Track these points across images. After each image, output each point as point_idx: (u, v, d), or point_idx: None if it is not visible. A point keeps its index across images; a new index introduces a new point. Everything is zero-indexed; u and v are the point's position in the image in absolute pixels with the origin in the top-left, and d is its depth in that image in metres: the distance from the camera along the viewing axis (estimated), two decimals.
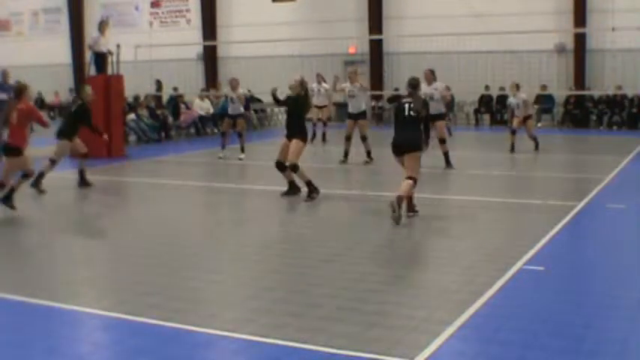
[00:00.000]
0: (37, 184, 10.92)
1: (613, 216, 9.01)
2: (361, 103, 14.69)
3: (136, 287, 5.99)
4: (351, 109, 14.57)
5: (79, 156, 11.82)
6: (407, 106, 8.91)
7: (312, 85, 19.11)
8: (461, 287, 5.85)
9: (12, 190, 9.51)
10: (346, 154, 14.34)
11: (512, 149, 15.82)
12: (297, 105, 10.52)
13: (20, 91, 9.65)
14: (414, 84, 9.20)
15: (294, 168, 10.22)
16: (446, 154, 13.28)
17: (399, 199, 8.29)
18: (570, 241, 7.85)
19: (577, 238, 8.13)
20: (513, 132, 16.03)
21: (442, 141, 13.35)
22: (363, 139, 14.23)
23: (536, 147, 16.02)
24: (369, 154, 14.27)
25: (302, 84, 10.61)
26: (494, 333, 4.83)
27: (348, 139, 14.32)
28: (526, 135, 16.09)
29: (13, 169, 9.64)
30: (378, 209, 9.80)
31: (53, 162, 11.42)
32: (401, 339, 4.70)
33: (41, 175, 11.05)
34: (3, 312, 5.49)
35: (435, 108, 13.55)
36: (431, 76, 13.63)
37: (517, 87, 16.30)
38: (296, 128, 10.39)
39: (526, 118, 16.16)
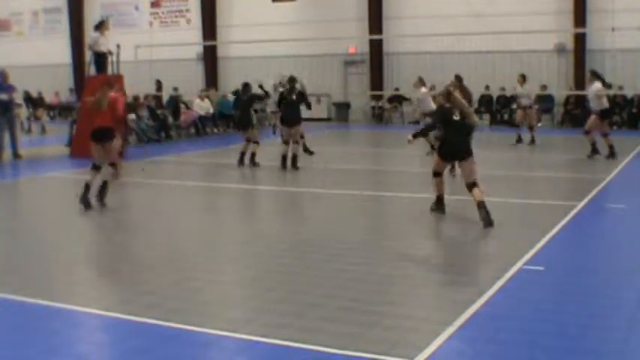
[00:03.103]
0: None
1: (613, 216, 9.01)
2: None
3: (136, 287, 5.99)
4: None
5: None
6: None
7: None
8: (461, 287, 5.85)
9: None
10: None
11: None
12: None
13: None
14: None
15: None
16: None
17: None
18: (570, 241, 7.84)
19: (577, 238, 8.12)
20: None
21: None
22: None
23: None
24: None
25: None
26: (494, 333, 4.83)
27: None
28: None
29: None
30: (378, 209, 9.81)
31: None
32: (401, 339, 4.69)
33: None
34: (3, 312, 5.49)
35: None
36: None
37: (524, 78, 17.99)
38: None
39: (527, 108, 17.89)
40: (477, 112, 25.74)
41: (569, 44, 24.21)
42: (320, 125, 26.08)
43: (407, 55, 25.45)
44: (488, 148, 17.46)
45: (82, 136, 16.51)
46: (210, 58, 29.92)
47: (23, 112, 23.10)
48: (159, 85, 25.16)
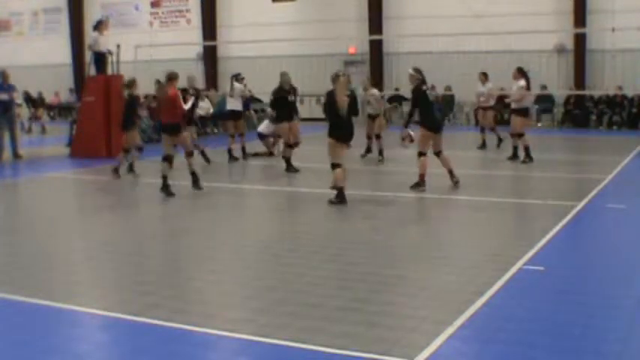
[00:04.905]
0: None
1: (613, 216, 9.01)
2: None
3: (136, 287, 5.99)
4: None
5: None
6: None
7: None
8: (461, 287, 5.85)
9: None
10: None
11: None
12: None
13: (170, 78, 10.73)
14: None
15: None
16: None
17: None
18: (570, 241, 7.85)
19: (577, 238, 8.13)
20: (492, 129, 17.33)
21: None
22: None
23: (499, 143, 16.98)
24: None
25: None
26: (494, 333, 4.83)
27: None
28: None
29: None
30: (377, 210, 9.80)
31: None
32: (401, 339, 4.69)
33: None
34: (3, 312, 5.49)
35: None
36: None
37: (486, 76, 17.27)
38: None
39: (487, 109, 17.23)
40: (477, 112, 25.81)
41: (569, 44, 24.22)
42: (320, 125, 26.09)
43: (407, 55, 25.42)
44: (488, 148, 17.46)
45: (82, 135, 16.55)
46: (210, 58, 29.93)
47: (23, 112, 23.11)
48: (159, 85, 25.13)
